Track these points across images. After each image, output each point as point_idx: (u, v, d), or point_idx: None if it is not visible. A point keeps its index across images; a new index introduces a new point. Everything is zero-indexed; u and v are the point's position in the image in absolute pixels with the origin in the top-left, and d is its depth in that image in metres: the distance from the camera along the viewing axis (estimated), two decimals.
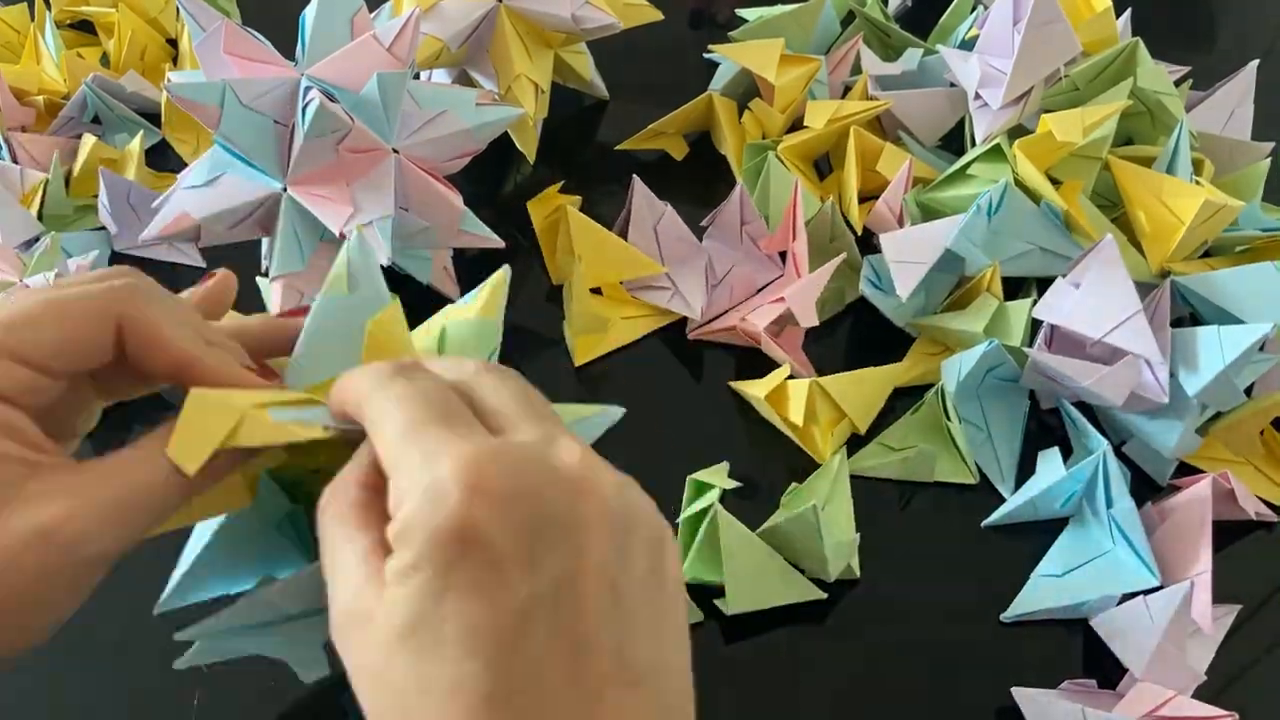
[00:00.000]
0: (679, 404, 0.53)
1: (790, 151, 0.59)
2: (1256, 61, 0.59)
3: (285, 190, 0.48)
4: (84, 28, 0.69)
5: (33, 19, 0.67)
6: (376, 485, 0.25)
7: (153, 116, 0.63)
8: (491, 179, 0.62)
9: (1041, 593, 0.46)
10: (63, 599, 0.27)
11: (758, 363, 0.53)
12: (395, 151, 0.48)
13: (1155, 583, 0.44)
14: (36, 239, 0.56)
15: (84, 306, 0.27)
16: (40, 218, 0.58)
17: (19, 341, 0.26)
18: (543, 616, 0.23)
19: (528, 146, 0.60)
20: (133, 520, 0.26)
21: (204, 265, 0.57)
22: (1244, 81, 0.59)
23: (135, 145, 0.60)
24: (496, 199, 0.61)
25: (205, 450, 0.26)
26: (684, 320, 0.55)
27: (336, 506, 0.26)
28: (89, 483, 0.26)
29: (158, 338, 0.27)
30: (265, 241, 0.54)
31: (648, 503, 0.26)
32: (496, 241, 0.51)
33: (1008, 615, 0.46)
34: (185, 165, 0.62)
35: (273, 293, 0.50)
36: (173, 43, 0.67)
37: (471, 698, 0.22)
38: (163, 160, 0.63)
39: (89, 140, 0.59)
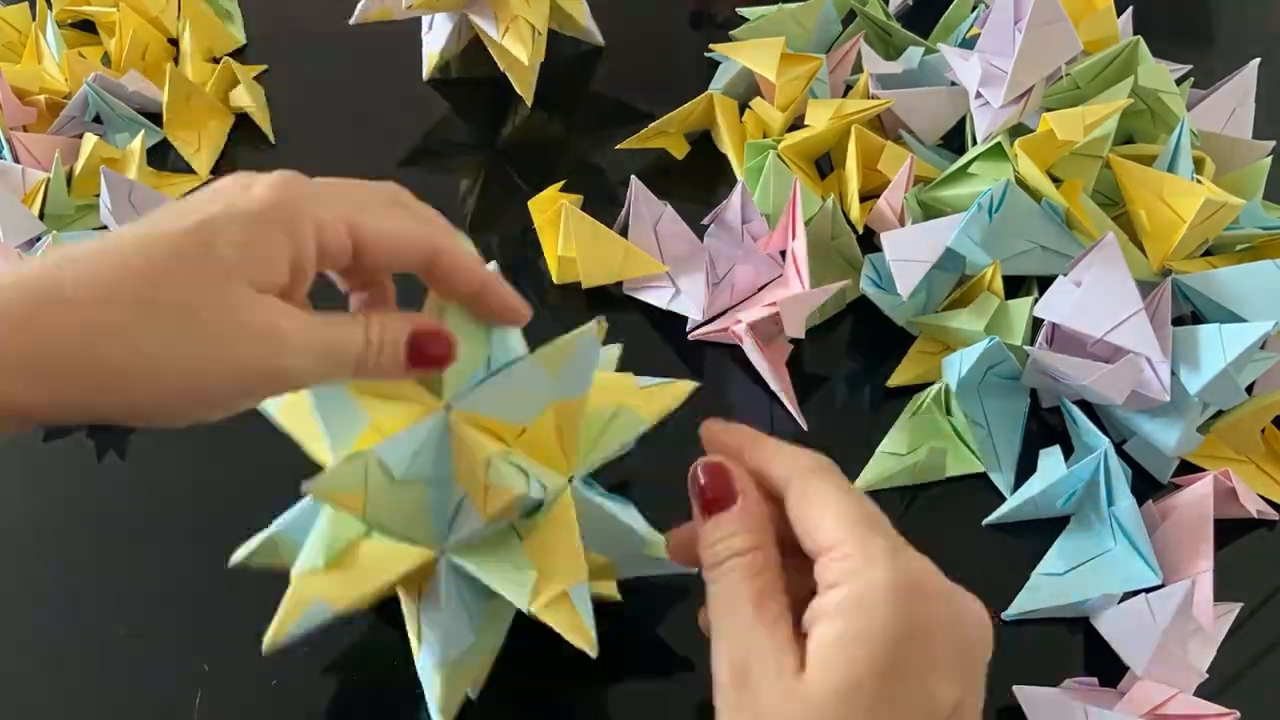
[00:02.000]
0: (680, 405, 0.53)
1: (791, 150, 0.59)
2: (1257, 61, 0.59)
3: None
4: (85, 27, 0.69)
5: (34, 18, 0.67)
6: (773, 562, 0.30)
7: (154, 116, 0.63)
8: (495, 182, 0.62)
9: (1042, 591, 0.46)
10: (241, 390, 0.30)
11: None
12: None
13: (1157, 581, 0.44)
14: (38, 238, 0.56)
15: (410, 225, 0.32)
16: (42, 217, 0.58)
17: (354, 215, 0.31)
18: None
19: (525, 90, 0.62)
20: (323, 362, 0.31)
21: None
22: (1245, 80, 0.59)
23: (136, 144, 0.60)
24: (497, 195, 0.61)
25: None
26: (684, 320, 0.55)
27: (739, 576, 0.29)
28: (300, 317, 0.30)
29: (462, 262, 0.33)
30: None
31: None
32: None
33: (1009, 614, 0.46)
34: (186, 164, 0.62)
35: None
36: (174, 42, 0.67)
37: None
38: (164, 159, 0.63)
39: (90, 139, 0.60)
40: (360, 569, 0.36)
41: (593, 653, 0.35)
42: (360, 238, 0.31)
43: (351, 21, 0.62)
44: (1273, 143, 0.58)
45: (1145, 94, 0.56)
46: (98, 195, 0.58)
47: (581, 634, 0.35)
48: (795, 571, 0.30)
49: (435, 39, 0.64)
